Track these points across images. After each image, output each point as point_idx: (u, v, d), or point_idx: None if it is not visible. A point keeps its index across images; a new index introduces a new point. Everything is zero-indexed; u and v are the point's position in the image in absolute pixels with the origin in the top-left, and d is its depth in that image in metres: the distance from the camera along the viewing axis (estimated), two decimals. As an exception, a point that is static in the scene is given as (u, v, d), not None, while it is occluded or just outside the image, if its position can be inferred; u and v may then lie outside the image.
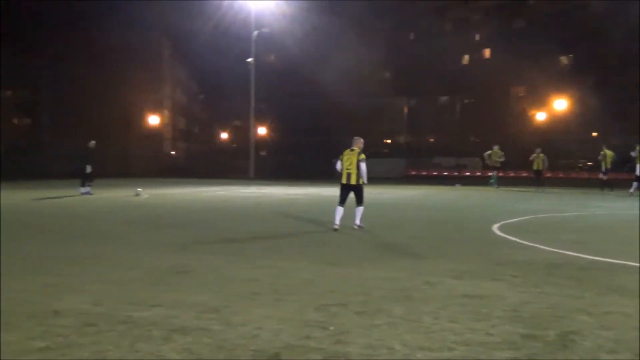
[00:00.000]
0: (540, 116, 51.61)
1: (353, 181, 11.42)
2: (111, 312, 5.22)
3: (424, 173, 48.61)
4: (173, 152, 70.88)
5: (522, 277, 6.89)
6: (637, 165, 22.93)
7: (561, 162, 46.75)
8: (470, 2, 66.91)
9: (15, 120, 60.67)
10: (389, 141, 62.16)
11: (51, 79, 55.22)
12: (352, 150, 11.64)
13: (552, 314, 5.25)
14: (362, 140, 11.82)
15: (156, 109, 62.83)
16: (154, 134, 62.83)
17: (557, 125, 49.33)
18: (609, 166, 26.42)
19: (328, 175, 46.02)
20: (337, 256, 8.35)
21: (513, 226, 12.38)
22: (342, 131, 51.08)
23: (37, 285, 6.31)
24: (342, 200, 11.53)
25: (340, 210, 11.41)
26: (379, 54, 59.37)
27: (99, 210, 16.27)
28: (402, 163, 43.83)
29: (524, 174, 37.85)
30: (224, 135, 71.65)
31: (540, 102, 51.58)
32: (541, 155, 26.88)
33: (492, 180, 30.23)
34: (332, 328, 4.76)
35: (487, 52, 69.70)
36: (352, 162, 11.42)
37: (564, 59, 60.71)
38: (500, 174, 42.60)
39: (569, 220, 14.06)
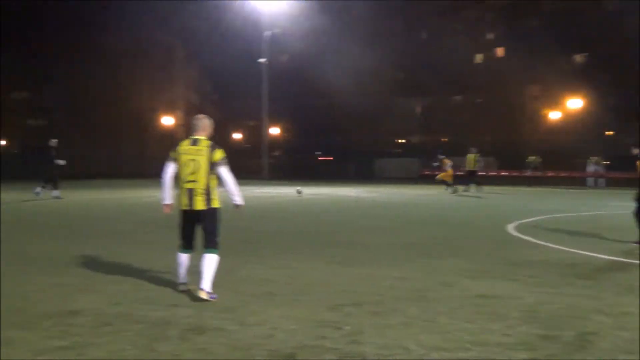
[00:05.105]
0: (553, 115, 51.34)
1: (200, 204, 6.06)
2: (128, 312, 5.25)
3: (437, 173, 48.32)
4: None
5: (538, 277, 6.85)
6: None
7: (575, 162, 46.39)
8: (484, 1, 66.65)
9: (30, 122, 61.12)
10: (402, 141, 61.99)
11: (64, 81, 55.66)
12: (198, 142, 6.07)
13: (569, 314, 5.22)
14: (210, 122, 6.29)
15: (169, 110, 63.10)
16: (168, 135, 63.10)
17: (571, 124, 49.03)
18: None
19: (341, 174, 46.22)
20: (352, 256, 8.34)
21: (528, 226, 12.31)
22: (357, 131, 51.13)
23: (54, 285, 6.36)
24: (187, 241, 6.28)
25: (184, 259, 6.23)
26: (392, 54, 59.28)
27: (114, 211, 16.37)
28: (416, 163, 43.71)
29: (538, 174, 37.46)
30: (237, 135, 71.70)
31: (554, 101, 51.30)
32: (475, 155, 26.40)
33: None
34: (347, 328, 4.75)
35: (500, 51, 69.36)
36: (199, 167, 5.98)
37: (577, 58, 60.30)
38: (515, 174, 42.21)
39: (586, 220, 13.95)
